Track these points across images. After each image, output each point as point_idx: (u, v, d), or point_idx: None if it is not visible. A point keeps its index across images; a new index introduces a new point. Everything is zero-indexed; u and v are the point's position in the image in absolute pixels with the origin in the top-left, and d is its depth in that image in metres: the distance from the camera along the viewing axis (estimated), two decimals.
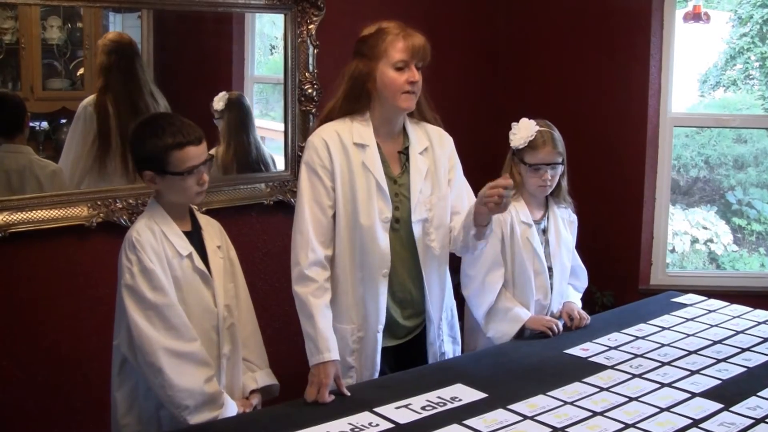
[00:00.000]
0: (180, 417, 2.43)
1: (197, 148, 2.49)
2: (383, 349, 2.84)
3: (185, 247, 2.54)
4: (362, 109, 2.80)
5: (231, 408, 2.52)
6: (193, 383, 2.43)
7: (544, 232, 3.26)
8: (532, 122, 3.13)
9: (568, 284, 3.38)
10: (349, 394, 2.58)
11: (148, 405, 2.54)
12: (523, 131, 3.12)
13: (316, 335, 2.63)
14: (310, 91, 3.89)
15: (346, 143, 2.75)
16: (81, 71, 3.50)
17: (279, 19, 3.89)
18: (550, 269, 3.24)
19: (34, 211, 3.21)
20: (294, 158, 3.92)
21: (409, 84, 2.70)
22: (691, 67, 4.66)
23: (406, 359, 2.89)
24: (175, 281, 2.50)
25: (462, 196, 2.95)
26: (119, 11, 3.52)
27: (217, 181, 3.68)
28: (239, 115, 3.90)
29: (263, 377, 2.73)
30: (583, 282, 3.45)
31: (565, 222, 3.32)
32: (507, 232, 3.17)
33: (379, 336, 2.81)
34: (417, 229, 2.81)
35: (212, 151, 3.82)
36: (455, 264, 3.06)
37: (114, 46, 3.46)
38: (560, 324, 3.19)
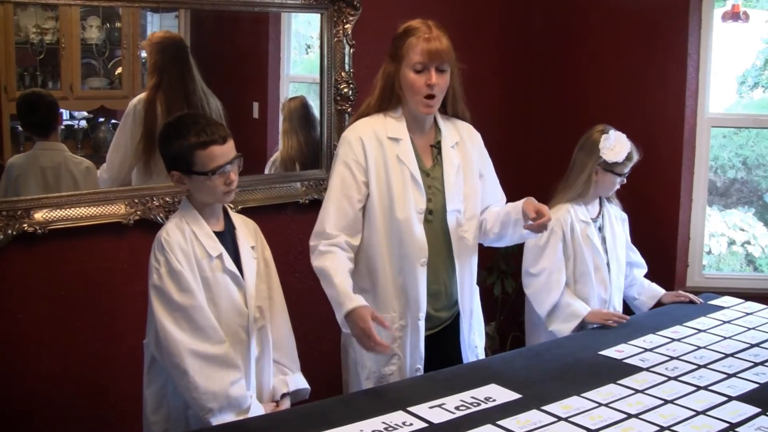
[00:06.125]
0: (204, 419, 2.43)
1: (222, 147, 2.48)
2: None
3: (215, 247, 2.54)
4: (395, 106, 2.86)
5: (257, 412, 2.51)
6: (218, 386, 2.44)
7: (600, 229, 3.48)
8: (623, 136, 3.37)
9: (636, 276, 3.66)
10: (390, 327, 2.69)
11: (177, 403, 2.55)
12: (620, 146, 3.34)
13: (337, 293, 2.63)
14: (345, 90, 3.90)
15: (380, 138, 2.81)
16: (119, 70, 3.53)
17: (315, 18, 3.91)
18: (608, 264, 3.46)
19: (72, 209, 3.25)
20: (329, 157, 3.92)
21: (427, 87, 2.73)
22: (730, 67, 4.60)
23: (441, 348, 2.93)
24: (205, 282, 2.51)
25: (495, 192, 3.05)
26: (157, 11, 3.56)
27: (252, 180, 3.70)
28: (303, 113, 3.96)
29: (294, 381, 2.72)
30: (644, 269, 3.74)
31: (617, 219, 3.56)
32: (568, 230, 3.38)
33: (421, 324, 2.85)
34: (451, 221, 2.87)
35: (276, 153, 3.89)
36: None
37: (166, 42, 3.51)
38: (621, 315, 3.35)
